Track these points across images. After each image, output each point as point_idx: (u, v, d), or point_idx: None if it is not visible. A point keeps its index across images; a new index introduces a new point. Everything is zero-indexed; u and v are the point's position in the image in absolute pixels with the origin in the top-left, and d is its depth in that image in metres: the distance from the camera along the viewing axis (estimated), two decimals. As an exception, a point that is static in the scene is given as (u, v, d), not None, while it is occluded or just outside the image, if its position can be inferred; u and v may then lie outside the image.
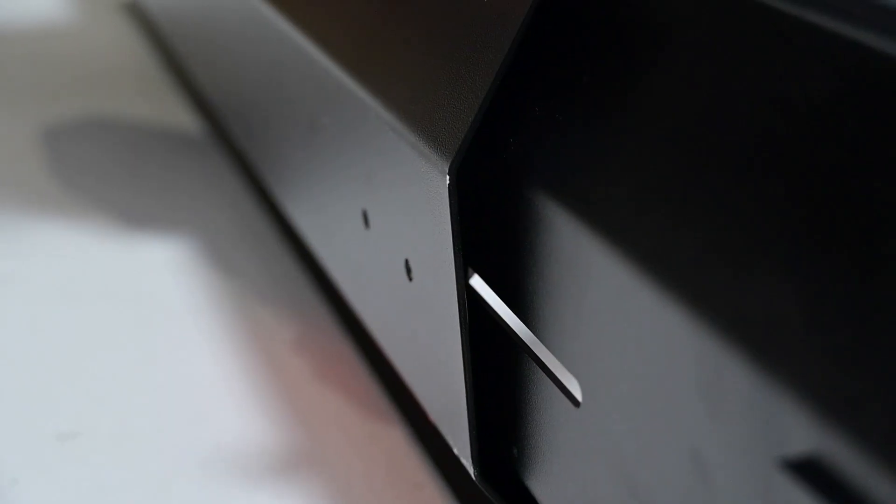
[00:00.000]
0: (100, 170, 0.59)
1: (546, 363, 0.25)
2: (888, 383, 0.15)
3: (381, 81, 0.29)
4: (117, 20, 0.80)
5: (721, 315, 0.18)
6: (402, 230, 0.29)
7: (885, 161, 0.17)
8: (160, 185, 0.57)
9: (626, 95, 0.22)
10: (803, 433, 0.16)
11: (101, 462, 0.38)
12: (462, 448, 0.28)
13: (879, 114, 0.17)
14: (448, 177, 0.24)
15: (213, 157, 0.60)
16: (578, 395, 0.23)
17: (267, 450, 0.38)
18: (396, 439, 0.39)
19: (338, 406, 0.40)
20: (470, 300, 0.26)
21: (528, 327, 0.25)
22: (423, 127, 0.26)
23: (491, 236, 0.25)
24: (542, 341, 0.24)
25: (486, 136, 0.25)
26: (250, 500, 0.36)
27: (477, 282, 0.26)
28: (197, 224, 0.53)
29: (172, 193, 0.57)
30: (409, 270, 0.29)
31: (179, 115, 0.65)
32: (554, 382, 0.24)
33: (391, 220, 0.29)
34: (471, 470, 0.28)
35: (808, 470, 0.16)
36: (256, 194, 0.56)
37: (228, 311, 0.46)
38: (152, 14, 0.72)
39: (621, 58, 0.23)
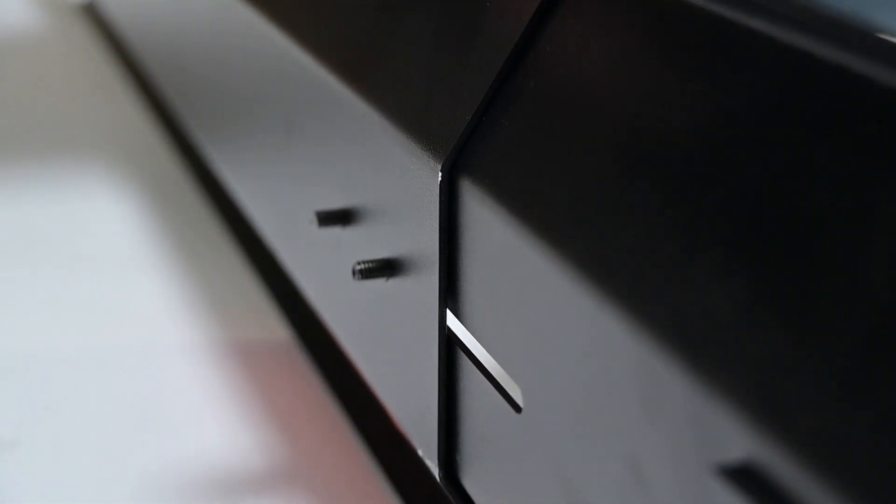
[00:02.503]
0: (49, 173, 0.58)
1: (488, 368, 0.25)
2: (821, 390, 0.15)
3: (368, 79, 0.29)
4: (74, 23, 0.80)
5: (657, 321, 0.18)
6: (383, 231, 0.28)
7: (820, 170, 0.17)
8: (113, 189, 0.57)
9: (567, 103, 0.22)
10: (738, 440, 0.16)
11: (41, 471, 0.37)
12: (428, 450, 0.28)
13: (815, 121, 0.17)
14: (440, 174, 0.24)
15: (168, 160, 0.60)
16: (520, 401, 0.23)
17: (212, 463, 0.37)
18: (347, 448, 0.38)
19: (288, 416, 0.40)
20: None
21: (470, 332, 0.25)
22: (415, 126, 0.26)
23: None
24: (484, 346, 0.24)
25: (477, 138, 0.25)
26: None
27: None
28: (153, 230, 0.53)
29: (126, 199, 0.56)
30: (386, 271, 0.28)
31: (134, 118, 0.65)
32: (496, 388, 0.24)
33: (373, 222, 0.29)
34: (436, 472, 0.28)
35: (742, 476, 0.16)
36: (211, 197, 0.55)
37: (181, 316, 0.46)
38: (112, 17, 0.72)
39: (566, 66, 0.23)
